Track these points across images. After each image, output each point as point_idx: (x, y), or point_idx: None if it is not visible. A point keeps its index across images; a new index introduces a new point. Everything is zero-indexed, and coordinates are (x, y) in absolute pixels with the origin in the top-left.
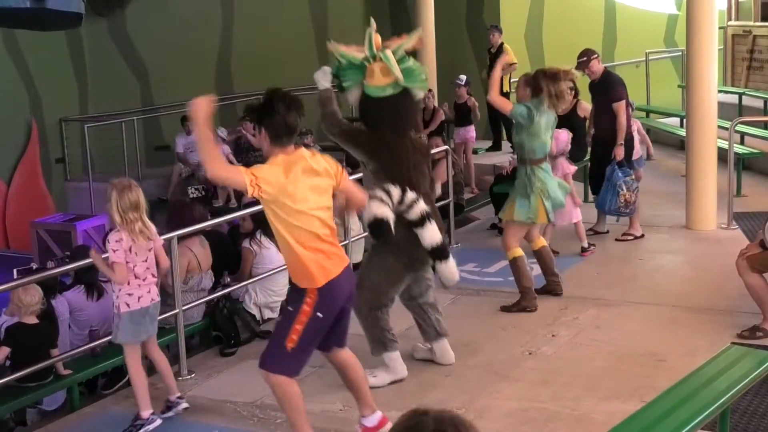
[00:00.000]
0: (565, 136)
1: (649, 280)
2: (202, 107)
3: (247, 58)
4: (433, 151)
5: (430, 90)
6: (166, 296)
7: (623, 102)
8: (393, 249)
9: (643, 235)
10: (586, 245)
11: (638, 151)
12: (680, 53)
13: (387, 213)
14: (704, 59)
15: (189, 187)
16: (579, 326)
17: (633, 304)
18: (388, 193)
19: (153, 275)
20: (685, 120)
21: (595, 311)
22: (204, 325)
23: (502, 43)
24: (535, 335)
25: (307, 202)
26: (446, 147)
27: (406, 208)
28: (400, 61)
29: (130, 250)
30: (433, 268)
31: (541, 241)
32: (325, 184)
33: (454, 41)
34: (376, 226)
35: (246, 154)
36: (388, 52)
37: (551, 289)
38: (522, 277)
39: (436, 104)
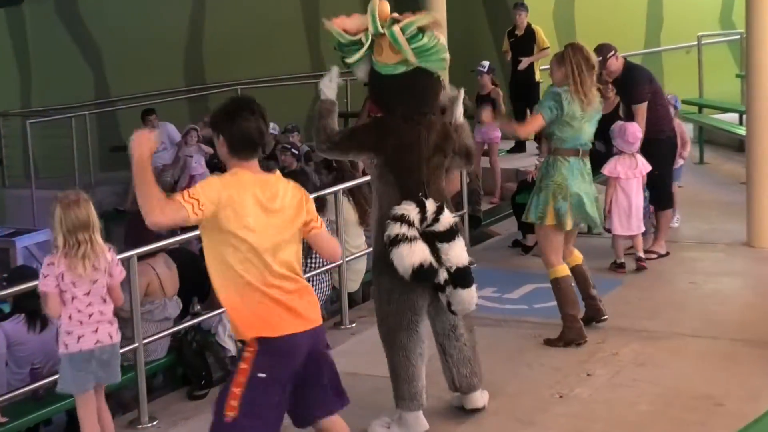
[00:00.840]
0: (633, 128)
1: (702, 307)
2: (145, 143)
3: (221, 43)
4: None
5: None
6: (124, 326)
7: (644, 105)
8: (388, 267)
9: (668, 253)
10: (642, 255)
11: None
12: (739, 36)
13: (425, 256)
14: None
15: None
16: (619, 364)
17: (683, 337)
18: (403, 220)
19: (102, 312)
20: (745, 116)
21: (638, 345)
22: (169, 362)
23: (529, 24)
24: (566, 374)
25: (255, 229)
26: None
27: (432, 221)
28: (411, 39)
29: (62, 277)
30: (440, 288)
31: (577, 257)
32: (282, 223)
33: (469, 22)
34: (418, 274)
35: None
36: (396, 29)
37: (591, 315)
38: (565, 301)
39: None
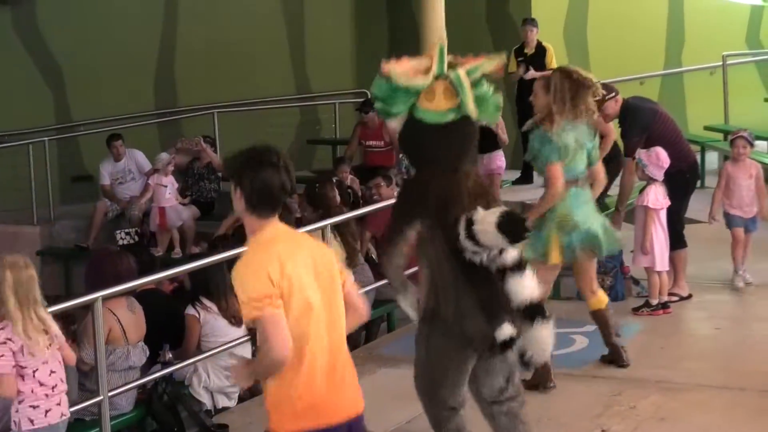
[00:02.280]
0: (662, 152)
1: (730, 356)
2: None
3: (195, 63)
4: None
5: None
6: (84, 378)
7: (630, 162)
8: (438, 322)
9: (690, 296)
10: (654, 302)
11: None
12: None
13: (536, 290)
14: None
15: (117, 231)
16: (637, 418)
17: (709, 389)
18: (478, 244)
19: (62, 380)
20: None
21: (658, 398)
22: (137, 417)
23: (540, 42)
24: (578, 431)
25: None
26: None
27: (498, 252)
28: (475, 85)
29: (22, 350)
30: (506, 344)
31: (601, 300)
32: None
33: (471, 41)
34: (533, 311)
35: (199, 184)
36: (462, 73)
37: (612, 358)
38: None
39: None
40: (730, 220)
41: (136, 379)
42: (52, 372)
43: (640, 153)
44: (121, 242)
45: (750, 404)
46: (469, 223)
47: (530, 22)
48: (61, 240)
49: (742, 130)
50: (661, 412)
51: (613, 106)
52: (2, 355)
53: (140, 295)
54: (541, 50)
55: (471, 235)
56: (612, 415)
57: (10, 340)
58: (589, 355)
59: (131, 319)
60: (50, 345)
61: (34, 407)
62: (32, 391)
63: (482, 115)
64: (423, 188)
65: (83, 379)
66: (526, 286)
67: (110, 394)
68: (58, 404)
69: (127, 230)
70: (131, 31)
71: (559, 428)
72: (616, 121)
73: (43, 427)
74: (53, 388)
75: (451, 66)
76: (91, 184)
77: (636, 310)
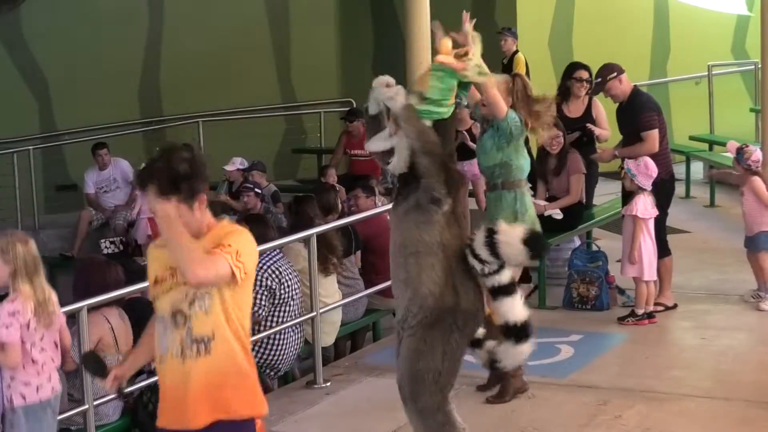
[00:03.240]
0: (650, 164)
1: (714, 366)
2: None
3: (180, 71)
4: None
5: None
6: (72, 388)
7: (656, 132)
8: (436, 316)
9: (675, 306)
10: (640, 312)
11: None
12: (753, 67)
13: (525, 312)
14: None
15: (102, 240)
16: (623, 428)
17: (693, 399)
18: (478, 259)
19: (53, 359)
20: (762, 155)
21: (643, 408)
22: (122, 427)
23: (516, 51)
24: None
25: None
26: None
27: (498, 268)
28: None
29: (28, 326)
30: (477, 344)
31: None
32: None
33: (455, 47)
34: (519, 332)
35: None
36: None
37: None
38: None
39: None
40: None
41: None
42: (44, 349)
43: (629, 163)
44: (105, 251)
45: (735, 414)
46: (491, 232)
47: (506, 31)
48: (45, 249)
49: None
50: (647, 421)
51: (618, 86)
52: (11, 325)
53: (127, 304)
54: (514, 59)
55: (490, 244)
56: (597, 424)
57: (19, 312)
58: (574, 365)
59: (123, 328)
60: (51, 325)
61: (26, 384)
62: (24, 368)
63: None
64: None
65: (71, 389)
66: (516, 307)
67: (96, 402)
68: (49, 380)
69: (111, 239)
70: (116, 40)
71: None
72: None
73: (35, 402)
74: (43, 365)
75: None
76: (75, 193)
77: (621, 320)
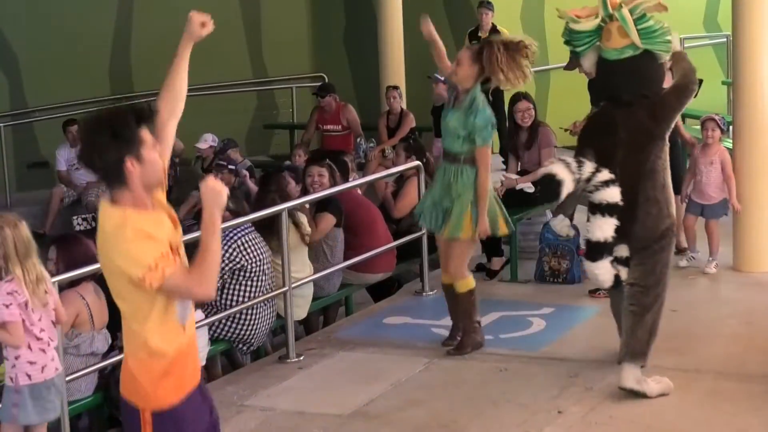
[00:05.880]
0: None
1: (684, 338)
2: (220, 194)
3: (151, 47)
4: (402, 168)
5: (396, 88)
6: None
7: None
8: (671, 236)
9: None
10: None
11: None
12: (725, 40)
13: (564, 175)
14: (758, 48)
15: (74, 217)
16: (593, 399)
17: (664, 371)
18: (580, 163)
19: (52, 339)
20: (731, 128)
21: (614, 379)
22: (95, 402)
23: (494, 26)
24: (535, 412)
25: None
26: (417, 163)
27: (593, 188)
28: (638, 20)
29: (26, 305)
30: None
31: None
32: None
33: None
34: (546, 182)
35: None
36: (625, 11)
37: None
38: (476, 310)
39: (404, 106)
40: (687, 205)
41: (93, 364)
42: (43, 329)
43: None
44: (78, 228)
45: (704, 386)
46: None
47: (485, 5)
48: None
49: (713, 114)
50: (618, 393)
51: None
52: (10, 304)
53: (100, 281)
54: (494, 34)
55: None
56: (569, 396)
57: (16, 292)
58: (546, 337)
59: (98, 305)
60: (47, 304)
61: (31, 363)
62: (29, 347)
63: (650, 46)
64: (607, 119)
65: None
66: (597, 229)
67: (68, 378)
68: (52, 359)
69: (84, 216)
70: (86, 17)
71: (516, 409)
72: None
73: (40, 382)
74: (48, 343)
75: (618, 7)
76: (47, 170)
77: (593, 293)
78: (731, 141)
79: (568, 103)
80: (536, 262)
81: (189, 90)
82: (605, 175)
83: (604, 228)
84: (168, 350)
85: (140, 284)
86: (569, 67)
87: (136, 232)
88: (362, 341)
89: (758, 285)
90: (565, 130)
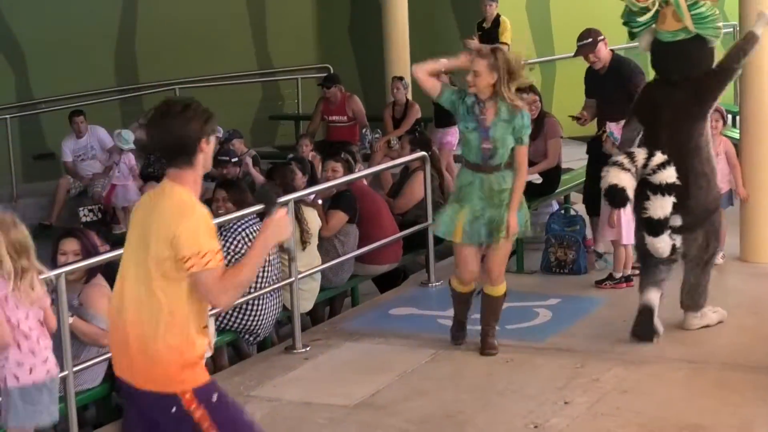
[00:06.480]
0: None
1: (692, 329)
2: (287, 229)
3: (156, 38)
4: (408, 158)
5: (401, 78)
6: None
7: None
8: (717, 200)
9: None
10: (618, 275)
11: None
12: (732, 29)
13: (623, 180)
14: (764, 38)
15: (80, 208)
16: (600, 390)
17: (670, 362)
18: (630, 156)
19: (46, 337)
20: (738, 118)
21: (620, 371)
22: (103, 392)
23: (498, 16)
24: (542, 402)
25: None
26: (423, 154)
27: (651, 172)
28: (691, 6)
29: (6, 299)
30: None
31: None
32: None
33: (432, 13)
34: (611, 195)
35: (161, 160)
36: None
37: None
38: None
39: (409, 96)
40: None
41: (103, 353)
42: (31, 328)
43: (611, 126)
44: (84, 219)
45: (710, 377)
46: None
47: None
48: (24, 218)
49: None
50: (624, 384)
51: (604, 50)
52: None
53: (103, 272)
54: (497, 24)
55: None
56: (575, 387)
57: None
58: (552, 328)
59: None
60: (34, 303)
61: (19, 364)
62: (19, 346)
63: (702, 30)
64: (653, 99)
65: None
66: (657, 208)
67: (75, 369)
68: (45, 361)
69: (90, 207)
70: (92, 8)
71: (523, 400)
72: None
73: (28, 384)
74: (39, 342)
75: None
76: (53, 161)
77: (599, 284)
78: (735, 131)
79: (574, 93)
80: (542, 253)
81: (195, 81)
82: (659, 158)
83: (665, 206)
84: (201, 343)
85: (180, 263)
86: (579, 53)
87: (206, 220)
88: (368, 332)
89: (765, 275)
90: (574, 118)
